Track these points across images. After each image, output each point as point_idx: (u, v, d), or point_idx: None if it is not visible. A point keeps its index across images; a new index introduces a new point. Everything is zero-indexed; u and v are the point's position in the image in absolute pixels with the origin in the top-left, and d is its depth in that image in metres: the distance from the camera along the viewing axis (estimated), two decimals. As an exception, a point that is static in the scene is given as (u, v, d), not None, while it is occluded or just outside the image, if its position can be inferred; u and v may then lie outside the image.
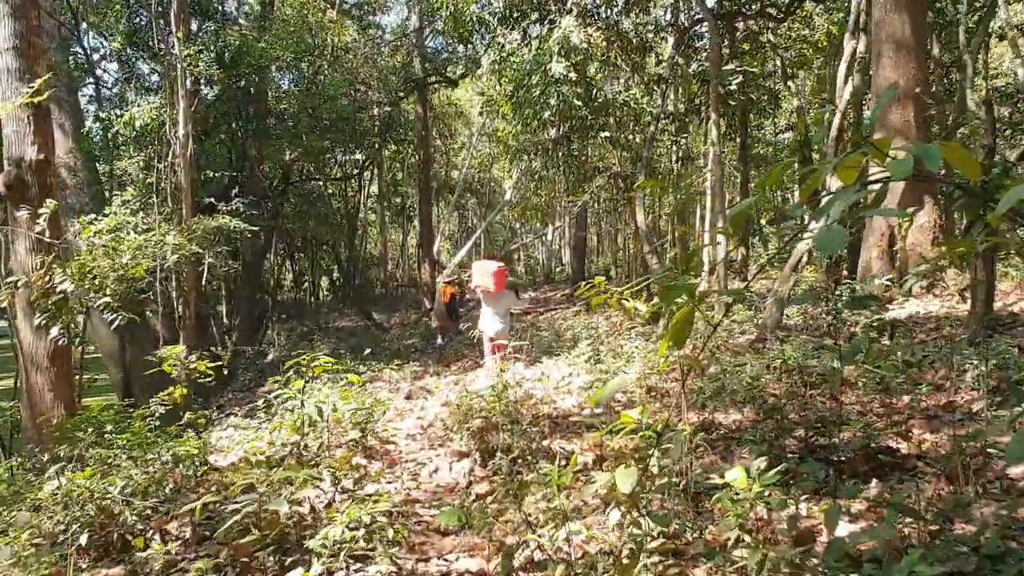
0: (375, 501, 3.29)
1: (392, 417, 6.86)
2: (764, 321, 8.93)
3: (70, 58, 15.85)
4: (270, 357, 20.37)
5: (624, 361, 8.16)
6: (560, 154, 14.50)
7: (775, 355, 7.18)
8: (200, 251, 9.32)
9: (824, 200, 1.90)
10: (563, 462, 5.03)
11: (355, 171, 26.09)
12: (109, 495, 3.67)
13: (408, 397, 9.04)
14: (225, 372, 18.07)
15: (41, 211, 6.87)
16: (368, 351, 11.61)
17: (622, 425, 2.69)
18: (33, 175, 7.32)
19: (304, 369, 4.79)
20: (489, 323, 9.71)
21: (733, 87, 13.03)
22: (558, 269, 37.03)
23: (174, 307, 11.00)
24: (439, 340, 15.52)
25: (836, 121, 10.59)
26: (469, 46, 24.30)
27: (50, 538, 3.66)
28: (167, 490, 4.46)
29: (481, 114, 25.51)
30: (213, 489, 4.62)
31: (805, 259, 9.62)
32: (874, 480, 3.80)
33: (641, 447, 2.97)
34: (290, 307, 26.63)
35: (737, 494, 2.62)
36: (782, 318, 9.05)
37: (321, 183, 23.32)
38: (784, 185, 27.74)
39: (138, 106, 11.17)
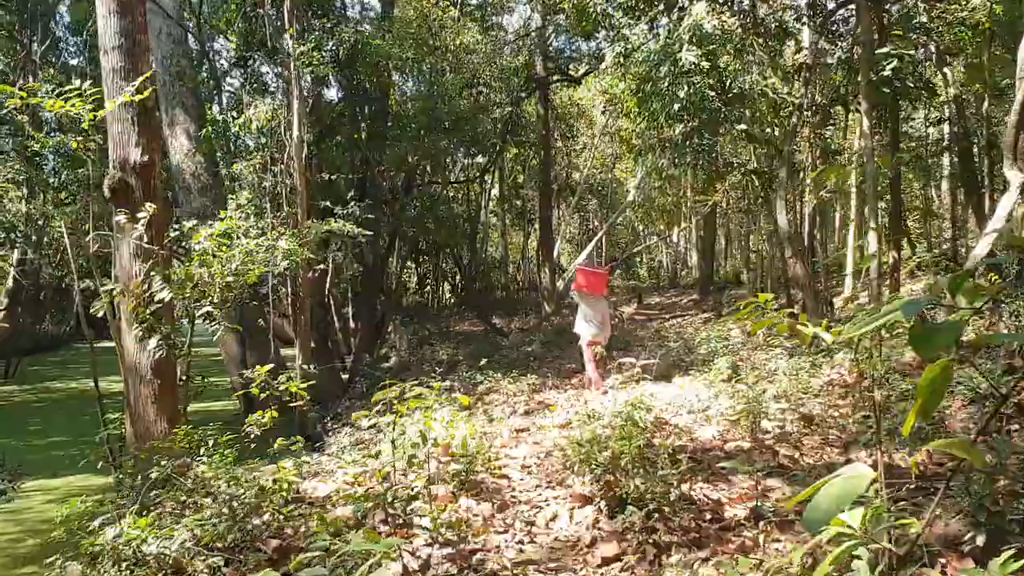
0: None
1: (507, 440, 6.19)
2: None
3: (203, 71, 16.13)
4: (392, 361, 20.23)
5: (769, 382, 7.17)
6: (689, 150, 13.45)
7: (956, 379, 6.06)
8: (313, 256, 8.96)
9: None
10: (708, 517, 4.21)
11: (476, 175, 25.77)
12: (167, 546, 3.12)
13: (526, 413, 8.38)
14: (344, 378, 18.05)
15: (140, 215, 6.57)
16: (484, 360, 11.01)
17: (834, 535, 1.85)
18: (137, 178, 7.05)
19: (395, 403, 4.15)
20: (587, 326, 9.46)
21: (887, 72, 11.62)
22: (683, 273, 35.63)
23: (292, 313, 10.74)
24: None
25: (1018, 103, 9.14)
26: (592, 43, 23.56)
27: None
28: (248, 528, 3.92)
29: (603, 113, 24.69)
30: (300, 531, 4.06)
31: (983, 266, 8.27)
32: None
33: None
34: (412, 311, 26.57)
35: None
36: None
37: (443, 187, 23.06)
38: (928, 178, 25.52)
39: (255, 107, 10.98)
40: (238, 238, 8.89)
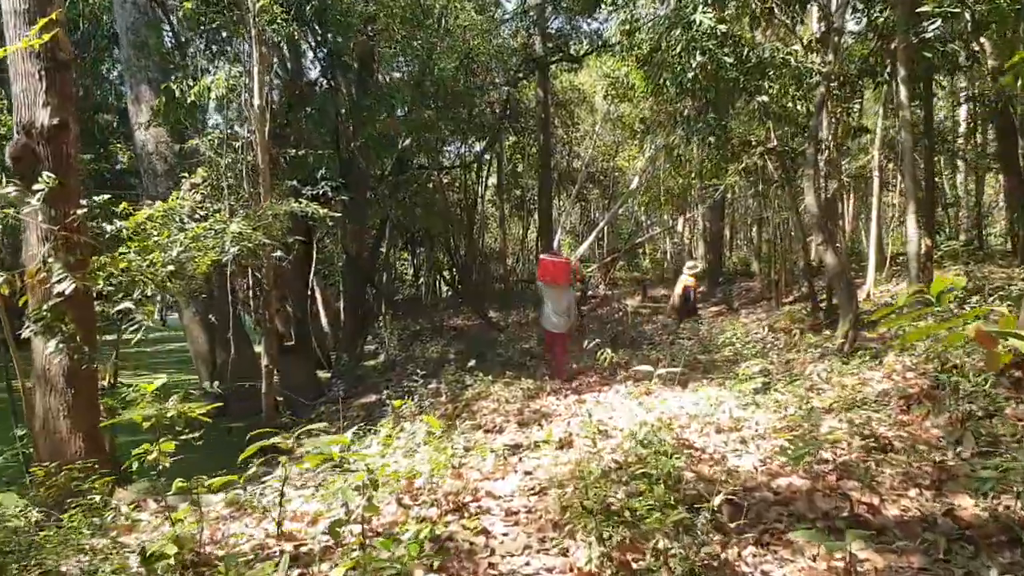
0: None
1: (490, 470, 4.91)
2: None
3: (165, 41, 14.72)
4: (380, 358, 18.99)
5: (809, 390, 5.91)
6: (702, 126, 12.11)
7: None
8: (269, 242, 7.67)
9: None
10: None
11: (473, 161, 24.51)
12: None
13: (520, 425, 7.11)
14: (326, 376, 16.81)
15: (36, 187, 5.30)
16: (472, 362, 9.73)
17: None
18: (46, 145, 5.79)
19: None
20: (551, 318, 9.71)
21: (929, 34, 10.28)
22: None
23: (255, 307, 9.48)
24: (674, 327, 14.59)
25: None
26: (594, 23, 22.17)
27: None
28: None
29: (605, 98, 23.40)
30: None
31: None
32: None
33: None
34: (405, 304, 25.33)
35: None
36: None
37: (436, 171, 21.74)
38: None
39: (213, 73, 9.63)
40: (183, 221, 7.65)
